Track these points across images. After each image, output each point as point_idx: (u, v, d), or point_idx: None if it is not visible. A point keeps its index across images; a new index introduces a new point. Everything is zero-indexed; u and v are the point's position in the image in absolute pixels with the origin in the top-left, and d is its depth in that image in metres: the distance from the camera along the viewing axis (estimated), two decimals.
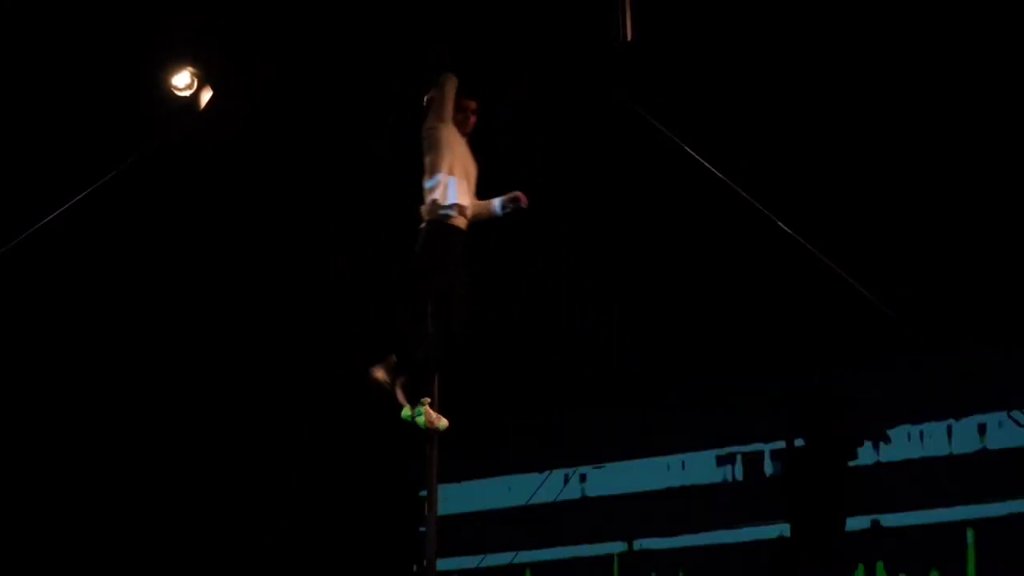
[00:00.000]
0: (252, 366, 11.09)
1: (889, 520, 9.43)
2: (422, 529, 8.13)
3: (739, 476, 10.05)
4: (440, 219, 6.67)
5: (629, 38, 7.94)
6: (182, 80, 8.71)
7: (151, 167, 9.56)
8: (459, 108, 6.98)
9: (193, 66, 8.67)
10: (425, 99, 7.04)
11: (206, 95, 8.62)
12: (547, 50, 9.15)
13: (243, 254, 10.87)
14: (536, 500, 10.58)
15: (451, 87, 6.95)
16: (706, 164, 7.63)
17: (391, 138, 8.01)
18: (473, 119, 7.05)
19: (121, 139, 9.02)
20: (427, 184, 6.76)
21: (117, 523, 10.93)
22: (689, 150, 7.66)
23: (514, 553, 10.57)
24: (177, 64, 8.70)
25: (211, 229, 10.74)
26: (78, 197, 7.85)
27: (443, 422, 6.58)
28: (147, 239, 10.63)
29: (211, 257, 10.86)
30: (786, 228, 7.43)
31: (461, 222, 6.72)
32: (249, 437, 11.15)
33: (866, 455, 9.56)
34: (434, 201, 6.69)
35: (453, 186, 6.72)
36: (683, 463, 10.30)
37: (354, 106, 9.68)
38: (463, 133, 6.99)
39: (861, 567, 9.43)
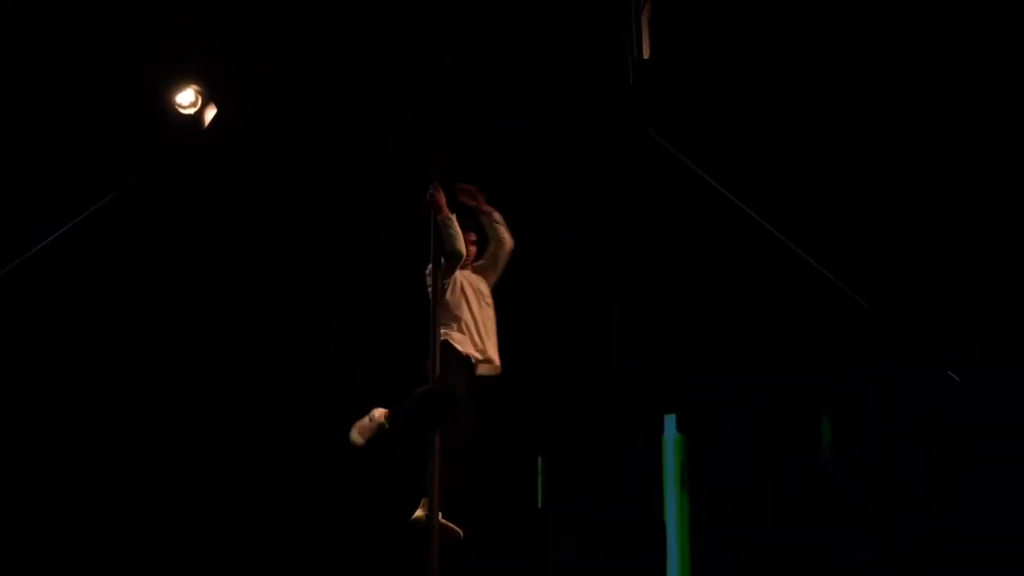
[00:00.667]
0: (252, 366, 11.07)
1: None
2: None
3: None
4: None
5: (645, 56, 7.94)
6: (186, 98, 8.67)
7: (152, 167, 9.58)
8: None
9: (197, 83, 8.64)
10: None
11: (210, 112, 8.60)
12: (549, 50, 9.15)
13: (243, 254, 10.83)
14: None
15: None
16: (707, 177, 7.63)
17: (397, 140, 8.02)
18: (473, 250, 7.66)
19: (125, 157, 9.00)
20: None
21: (118, 523, 10.90)
22: (690, 163, 7.66)
23: None
24: (181, 81, 8.67)
25: (211, 230, 10.70)
26: (82, 215, 7.83)
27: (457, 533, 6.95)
28: (147, 239, 10.59)
29: (211, 257, 10.83)
30: (787, 240, 7.42)
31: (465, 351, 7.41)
32: (249, 437, 11.12)
33: None
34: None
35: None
36: None
37: (354, 107, 9.66)
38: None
39: None
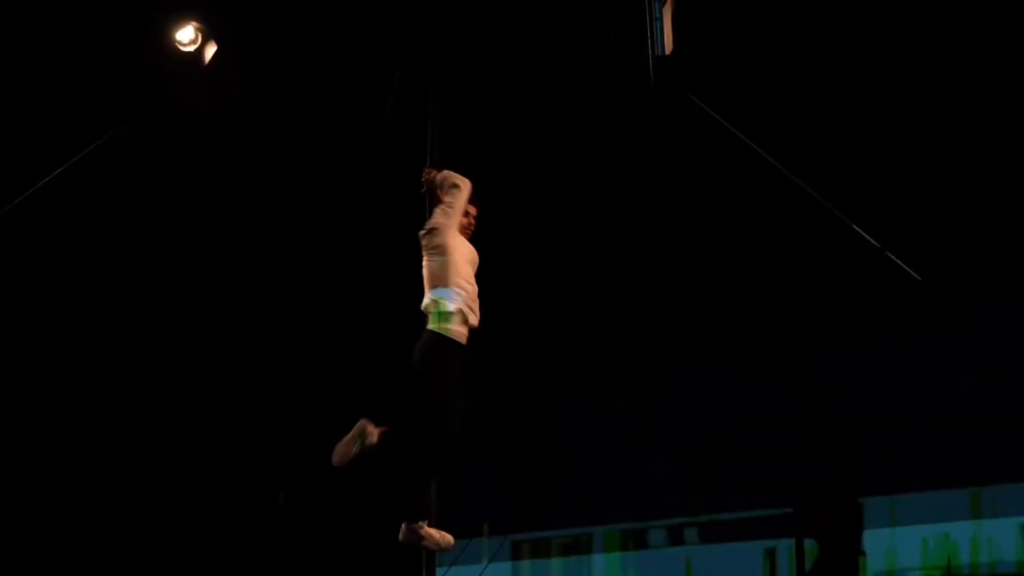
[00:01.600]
0: (250, 365, 11.03)
1: None
2: None
3: None
4: (444, 334, 6.54)
5: (668, 52, 7.87)
6: (186, 35, 8.58)
7: (151, 165, 9.51)
8: (464, 213, 6.86)
9: (197, 20, 8.53)
10: (431, 183, 6.94)
11: (210, 51, 8.50)
12: (551, 48, 9.11)
13: (241, 253, 10.80)
14: None
15: (468, 193, 6.83)
16: (762, 152, 7.55)
17: (389, 127, 7.95)
18: (473, 224, 6.94)
19: (123, 98, 8.86)
20: (434, 295, 6.61)
21: (110, 524, 10.85)
22: (747, 139, 7.57)
23: None
24: (181, 19, 8.56)
25: (209, 228, 10.67)
26: (69, 163, 7.70)
27: (447, 539, 6.52)
28: (145, 236, 10.54)
29: (208, 256, 10.79)
30: (827, 203, 7.35)
31: (464, 334, 6.62)
32: (245, 438, 11.09)
33: None
34: (441, 313, 6.56)
35: (459, 299, 6.62)
36: None
37: (354, 105, 9.61)
38: (465, 237, 6.89)
39: None
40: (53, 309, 10.51)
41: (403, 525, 6.47)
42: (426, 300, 6.65)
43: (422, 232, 6.78)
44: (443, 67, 7.89)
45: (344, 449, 6.37)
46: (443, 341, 6.52)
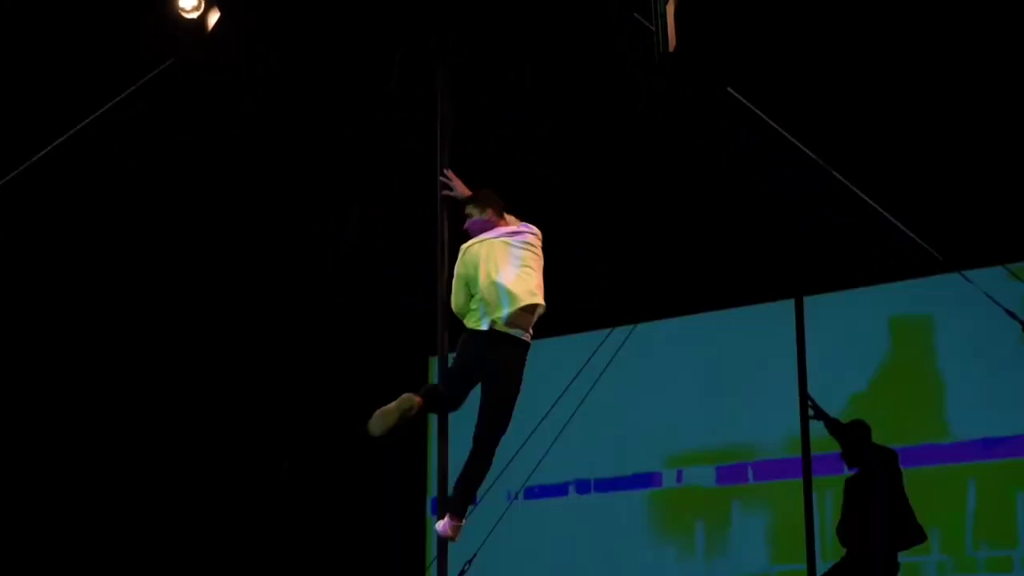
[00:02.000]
0: (250, 363, 10.96)
1: None
2: None
3: None
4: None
5: (671, 49, 7.74)
6: (189, 2, 8.44)
7: (148, 152, 9.41)
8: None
9: None
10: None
11: (213, 16, 8.34)
12: (555, 38, 9.02)
13: (242, 251, 10.73)
14: None
15: None
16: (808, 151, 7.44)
17: (390, 112, 7.84)
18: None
19: (124, 66, 8.69)
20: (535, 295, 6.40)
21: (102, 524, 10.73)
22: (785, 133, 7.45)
23: None
24: None
25: (208, 226, 10.58)
26: (63, 137, 7.49)
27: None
28: (144, 231, 10.42)
29: (208, 255, 10.71)
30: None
31: None
32: (245, 432, 11.01)
33: None
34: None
35: None
36: None
37: (354, 99, 9.49)
38: None
39: None
40: (48, 293, 10.39)
41: (447, 518, 6.26)
42: (540, 299, 6.41)
43: (536, 236, 6.59)
44: (446, 52, 7.73)
45: (384, 419, 6.13)
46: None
